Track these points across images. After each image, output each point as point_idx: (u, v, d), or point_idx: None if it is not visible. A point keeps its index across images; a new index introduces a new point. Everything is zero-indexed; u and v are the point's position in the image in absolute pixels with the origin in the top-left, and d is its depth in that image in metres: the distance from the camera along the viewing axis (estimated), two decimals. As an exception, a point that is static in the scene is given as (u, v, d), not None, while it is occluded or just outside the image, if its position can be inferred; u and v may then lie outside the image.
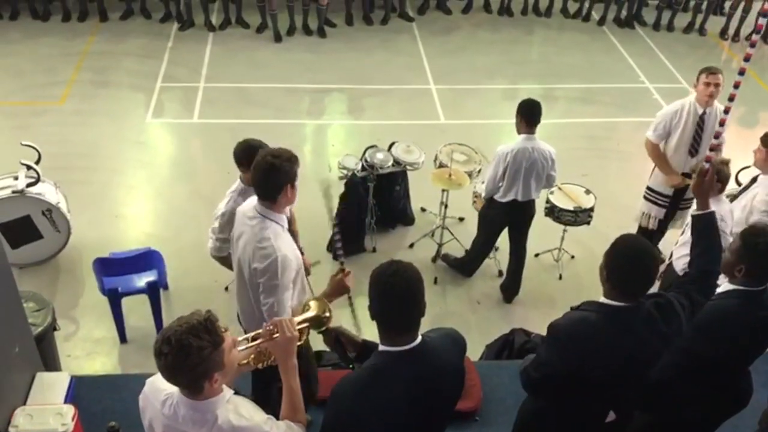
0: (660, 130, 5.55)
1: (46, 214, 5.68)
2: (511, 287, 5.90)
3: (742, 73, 3.40)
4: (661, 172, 5.67)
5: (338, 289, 3.25)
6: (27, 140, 5.92)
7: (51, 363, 4.65)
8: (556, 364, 2.89)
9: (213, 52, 9.40)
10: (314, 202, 6.16)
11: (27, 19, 9.82)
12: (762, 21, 3.46)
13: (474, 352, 5.02)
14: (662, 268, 5.01)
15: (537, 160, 5.24)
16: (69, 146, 7.34)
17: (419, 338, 2.58)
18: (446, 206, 6.10)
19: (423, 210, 6.75)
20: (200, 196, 6.81)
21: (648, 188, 5.85)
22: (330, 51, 9.59)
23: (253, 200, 3.58)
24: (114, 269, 5.26)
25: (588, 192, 5.94)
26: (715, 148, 4.15)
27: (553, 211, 5.83)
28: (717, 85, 5.30)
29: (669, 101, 7.52)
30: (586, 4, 10.72)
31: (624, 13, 10.62)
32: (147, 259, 5.40)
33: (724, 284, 3.42)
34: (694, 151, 5.51)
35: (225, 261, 4.51)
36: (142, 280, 5.30)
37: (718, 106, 5.46)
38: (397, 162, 6.15)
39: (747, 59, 3.45)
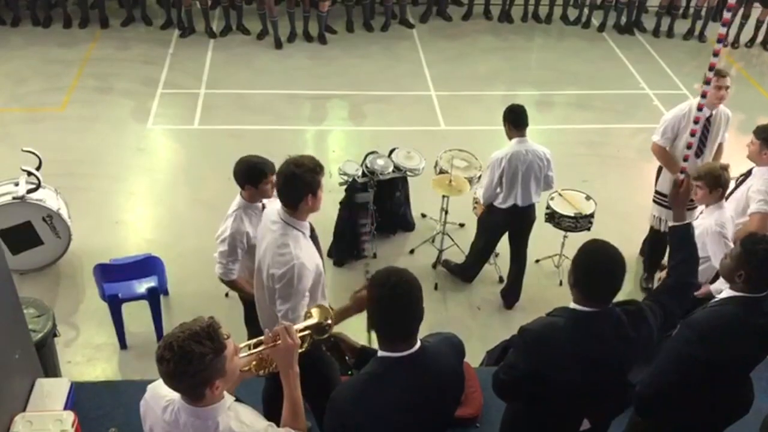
0: (669, 134, 5.55)
1: (47, 220, 5.69)
2: (511, 293, 5.90)
3: (716, 54, 3.45)
4: (671, 174, 5.66)
5: (362, 305, 3.19)
6: (28, 146, 5.93)
7: (51, 369, 4.65)
8: (523, 368, 2.89)
9: (214, 58, 9.42)
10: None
11: (28, 25, 9.85)
12: (727, 15, 3.50)
13: (474, 358, 5.02)
14: (662, 275, 5.02)
15: (533, 162, 5.27)
16: (70, 152, 7.35)
17: (418, 344, 2.59)
18: (447, 212, 6.10)
19: (423, 216, 6.76)
20: (200, 202, 6.82)
21: (657, 192, 5.85)
22: (331, 57, 9.61)
23: (277, 203, 3.57)
24: (114, 275, 5.27)
25: (588, 198, 5.95)
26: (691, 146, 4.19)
27: (553, 217, 5.83)
28: (727, 88, 5.34)
29: (669, 107, 7.54)
30: (586, 11, 10.75)
31: (624, 19, 10.65)
32: (147, 265, 5.40)
33: (725, 290, 3.42)
34: (699, 152, 5.52)
35: (234, 285, 4.45)
36: (143, 286, 5.30)
37: (724, 108, 5.50)
38: (397, 168, 6.16)
39: (720, 40, 3.59)
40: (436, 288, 6.02)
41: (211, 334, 2.33)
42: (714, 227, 4.38)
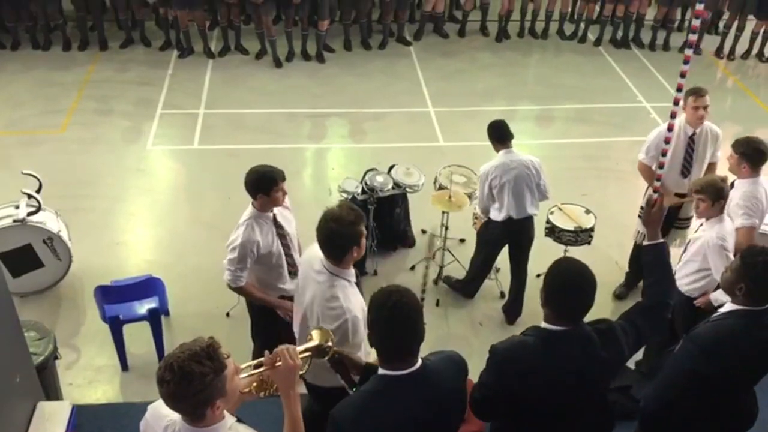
0: (652, 152, 5.54)
1: (47, 243, 5.69)
2: (513, 309, 5.88)
3: (686, 61, 3.44)
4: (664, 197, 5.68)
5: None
6: (28, 169, 5.94)
7: (52, 392, 4.63)
8: (494, 386, 2.90)
9: (212, 78, 9.47)
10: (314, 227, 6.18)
11: (28, 49, 9.90)
12: (696, 22, 3.54)
13: (477, 374, 4.99)
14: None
15: (520, 172, 5.31)
16: (70, 174, 7.37)
17: (419, 362, 2.58)
18: (447, 228, 6.10)
19: (423, 232, 6.76)
20: (201, 221, 6.83)
21: (641, 207, 5.86)
22: (329, 76, 9.66)
23: (316, 249, 3.53)
24: (115, 297, 5.26)
25: (588, 212, 5.95)
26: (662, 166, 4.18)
27: (553, 231, 5.83)
28: (705, 107, 5.32)
29: (666, 120, 7.56)
30: (582, 26, 10.81)
31: (620, 33, 10.71)
32: (148, 286, 5.40)
33: (727, 304, 3.42)
34: (686, 171, 5.52)
35: (242, 291, 4.48)
36: (144, 307, 5.29)
37: (710, 126, 5.46)
38: (397, 185, 6.17)
39: (690, 46, 3.55)
40: (437, 304, 6.01)
41: (212, 354, 2.33)
42: (715, 240, 4.38)
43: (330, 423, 2.57)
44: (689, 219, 5.56)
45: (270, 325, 4.56)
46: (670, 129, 3.74)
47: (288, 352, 2.61)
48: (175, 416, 2.45)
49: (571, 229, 5.75)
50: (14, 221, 5.56)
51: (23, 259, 5.68)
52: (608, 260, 6.46)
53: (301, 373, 2.69)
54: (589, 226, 5.79)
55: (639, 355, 5.14)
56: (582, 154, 8.18)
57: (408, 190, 6.24)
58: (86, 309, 5.79)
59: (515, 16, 10.78)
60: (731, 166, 4.89)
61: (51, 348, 4.52)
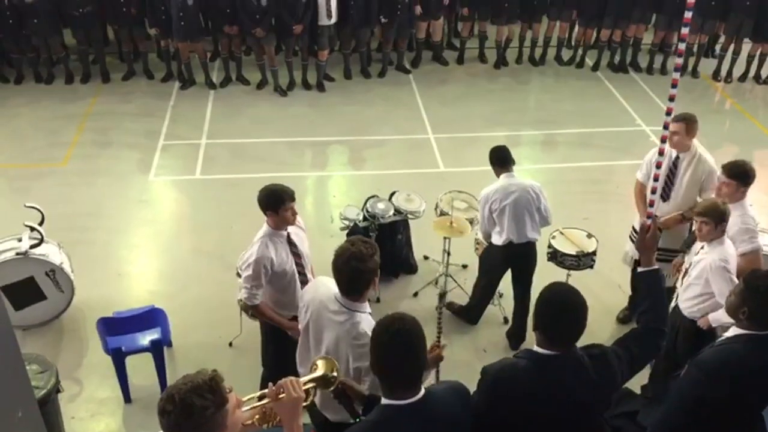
0: (644, 170, 5.63)
1: (50, 275, 5.69)
2: (517, 334, 5.85)
3: (674, 85, 3.40)
4: (639, 213, 5.69)
5: (434, 363, 3.23)
6: (31, 202, 5.97)
7: (55, 426, 4.59)
8: (484, 408, 2.88)
9: (214, 109, 9.54)
10: (318, 256, 6.17)
11: (31, 82, 10.01)
12: (681, 46, 3.50)
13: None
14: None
15: (521, 196, 5.33)
16: (72, 206, 7.40)
17: (422, 392, 2.56)
18: (449, 254, 6.10)
19: (425, 258, 6.75)
20: (203, 251, 6.84)
21: (633, 228, 5.90)
22: (329, 104, 9.74)
23: (327, 287, 3.51)
24: (118, 328, 5.25)
25: (590, 236, 5.94)
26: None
27: (555, 256, 5.82)
28: (674, 133, 5.24)
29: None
30: (580, 51, 10.90)
31: (617, 58, 10.79)
32: (150, 317, 5.39)
33: (732, 328, 3.40)
34: (665, 195, 5.48)
35: (257, 310, 4.51)
36: (146, 338, 5.27)
37: (702, 157, 5.35)
38: (398, 211, 6.18)
39: (677, 69, 3.53)
40: (440, 331, 5.97)
41: (213, 387, 2.32)
42: (718, 262, 4.36)
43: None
44: (670, 251, 5.45)
45: (280, 350, 4.56)
46: (660, 153, 3.71)
47: (292, 384, 2.60)
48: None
49: (573, 253, 5.74)
50: (17, 254, 5.57)
51: (26, 292, 5.68)
52: (611, 284, 6.44)
53: (304, 404, 2.67)
54: (591, 250, 5.78)
55: (645, 379, 5.11)
56: (583, 178, 8.20)
57: (409, 216, 6.25)
58: (89, 341, 5.77)
59: (513, 42, 10.88)
60: (727, 195, 4.76)
61: (53, 381, 4.50)
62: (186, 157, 8.48)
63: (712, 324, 4.39)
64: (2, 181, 7.98)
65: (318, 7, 9.50)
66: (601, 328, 5.82)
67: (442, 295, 4.23)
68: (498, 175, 5.46)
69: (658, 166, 3.79)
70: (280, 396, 2.60)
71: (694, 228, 4.67)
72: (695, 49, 10.58)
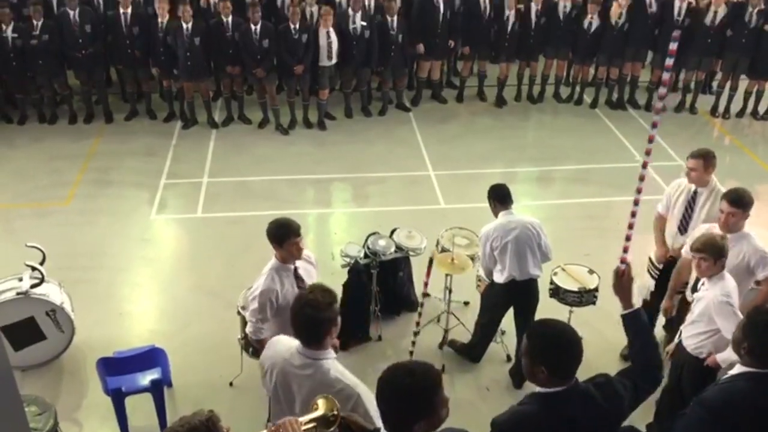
0: (665, 202, 5.73)
1: (50, 315, 5.67)
2: (520, 372, 5.77)
3: (654, 126, 3.38)
4: (657, 245, 5.82)
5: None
6: (33, 241, 5.98)
7: (52, 469, 4.53)
8: None
9: (216, 147, 9.62)
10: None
11: (34, 123, 10.10)
12: (666, 75, 3.48)
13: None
14: (671, 347, 4.96)
15: (521, 233, 5.34)
16: (74, 246, 7.41)
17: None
18: (450, 291, 6.08)
19: (427, 295, 6.72)
20: (204, 289, 6.82)
21: (649, 258, 5.94)
22: (331, 142, 9.81)
23: (285, 344, 3.49)
24: (117, 368, 5.21)
25: (591, 272, 5.93)
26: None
27: (557, 293, 5.80)
28: (692, 169, 5.40)
29: (666, 179, 7.62)
30: (578, 89, 11.01)
31: (615, 95, 10.89)
32: (151, 357, 5.35)
33: (736, 366, 3.37)
34: (683, 228, 5.56)
35: (262, 345, 4.44)
36: (146, 378, 5.22)
37: (720, 190, 5.39)
38: (399, 248, 6.18)
39: (657, 114, 3.46)
40: (443, 369, 5.93)
41: (210, 428, 2.31)
42: (720, 298, 4.34)
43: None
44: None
45: None
46: (644, 166, 3.62)
47: (291, 425, 2.57)
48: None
49: (575, 289, 5.73)
50: (17, 294, 5.56)
51: (25, 332, 5.65)
52: (614, 320, 6.36)
53: None
54: (593, 286, 5.77)
55: (650, 417, 5.05)
56: (583, 214, 8.22)
57: (410, 253, 6.25)
58: (88, 381, 5.72)
59: (512, 80, 11.00)
60: (734, 224, 4.83)
61: (52, 423, 4.46)
62: (188, 195, 8.52)
63: (720, 364, 4.35)
64: (4, 221, 8.01)
65: (319, 48, 9.64)
66: (604, 365, 5.74)
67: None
68: (496, 213, 5.47)
69: (636, 202, 3.73)
70: (280, 437, 2.57)
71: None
72: (692, 85, 10.69)
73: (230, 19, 9.49)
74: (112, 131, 10.00)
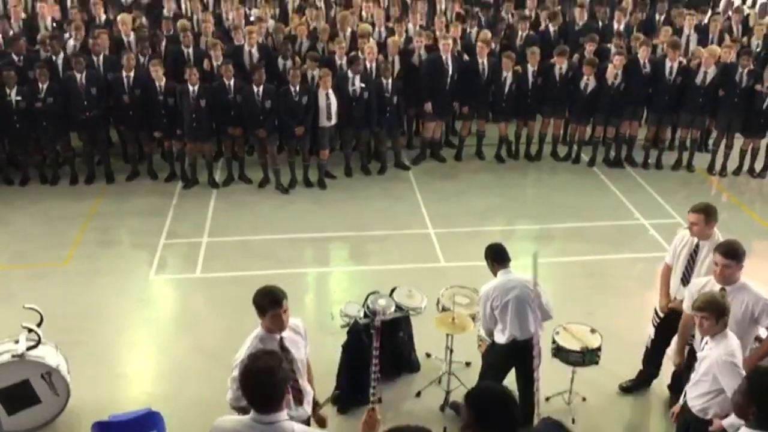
0: (671, 252, 5.82)
1: (45, 377, 5.59)
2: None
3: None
4: (661, 295, 5.88)
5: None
6: (30, 303, 5.94)
7: None
8: None
9: (216, 207, 9.66)
10: (318, 354, 6.07)
11: (36, 184, 10.17)
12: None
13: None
14: (676, 408, 4.88)
15: (522, 291, 5.31)
16: (72, 307, 7.36)
17: None
18: (452, 351, 6.01)
19: (428, 356, 6.65)
20: (202, 350, 6.75)
21: (654, 309, 5.98)
22: (331, 201, 9.86)
23: (232, 423, 3.45)
24: (113, 433, 5.10)
25: (593, 331, 5.88)
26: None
27: (560, 352, 5.74)
28: (694, 224, 5.50)
29: (665, 237, 7.65)
30: (575, 147, 11.13)
31: (612, 153, 11.00)
32: (147, 421, 5.24)
33: (741, 428, 3.30)
34: (686, 280, 5.62)
35: (246, 412, 4.37)
36: (142, 442, 5.12)
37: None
38: (399, 307, 6.13)
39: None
40: (445, 432, 5.82)
41: None
42: (724, 357, 4.29)
43: None
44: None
45: None
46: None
47: None
48: None
49: (578, 349, 5.67)
50: (13, 356, 5.49)
51: (20, 396, 5.56)
52: (618, 380, 6.32)
53: None
54: (595, 345, 5.72)
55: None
56: (583, 272, 8.20)
57: (411, 312, 6.20)
58: (82, 446, 5.61)
59: (510, 139, 11.13)
60: (729, 277, 4.86)
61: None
62: (187, 255, 8.52)
63: (727, 429, 4.26)
64: (3, 282, 7.97)
65: (318, 109, 9.79)
66: (611, 425, 5.67)
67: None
68: (495, 272, 5.46)
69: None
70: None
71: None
72: (688, 143, 10.81)
73: (233, 81, 9.67)
74: (113, 191, 10.06)
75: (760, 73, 10.04)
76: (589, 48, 10.64)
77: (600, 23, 11.90)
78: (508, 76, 10.44)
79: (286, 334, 4.35)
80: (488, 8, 12.34)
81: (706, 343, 4.48)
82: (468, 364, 6.48)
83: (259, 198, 9.95)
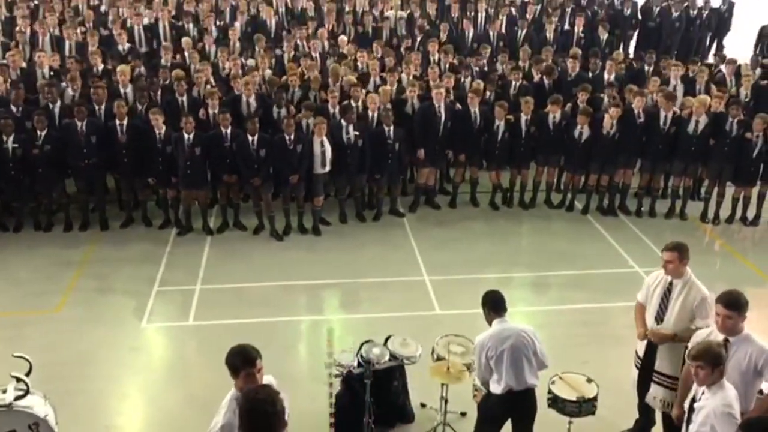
0: (644, 291, 5.96)
1: (33, 428, 5.47)
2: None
3: None
4: (638, 329, 5.97)
5: None
6: (20, 351, 5.85)
7: None
8: None
9: (210, 254, 9.63)
10: (311, 404, 6.01)
11: (30, 230, 10.13)
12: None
13: None
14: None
15: (516, 340, 5.28)
16: (62, 355, 7.28)
17: None
18: (447, 401, 5.94)
19: (423, 406, 6.57)
20: (194, 400, 6.64)
21: (655, 371, 5.92)
22: (325, 248, 9.85)
23: None
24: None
25: (590, 380, 5.82)
26: None
27: (556, 402, 5.67)
28: (669, 262, 5.64)
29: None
30: (569, 195, 11.20)
31: (606, 201, 11.07)
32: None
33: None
34: (659, 318, 5.74)
35: None
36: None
37: (695, 284, 5.63)
38: (393, 356, 6.08)
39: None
40: (440, 484, 5.71)
41: None
42: (722, 408, 4.25)
43: None
44: (667, 376, 5.75)
45: None
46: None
47: None
48: None
49: (574, 399, 5.60)
50: (0, 406, 5.39)
51: (6, 447, 5.45)
52: (615, 429, 6.24)
53: None
54: (592, 395, 5.65)
55: None
56: (578, 320, 8.17)
57: (405, 361, 6.14)
58: (69, 500, 5.47)
59: (504, 186, 11.20)
60: (730, 328, 4.84)
61: None
62: (180, 303, 8.46)
63: None
64: (-7, 330, 7.89)
65: (313, 157, 9.87)
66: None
67: None
68: (490, 320, 5.42)
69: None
70: None
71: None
72: (681, 192, 10.89)
73: (229, 130, 9.76)
74: (107, 238, 10.03)
75: (749, 122, 10.19)
76: (582, 97, 10.81)
77: (591, 74, 12.13)
78: (500, 124, 10.58)
79: None
80: (481, 57, 12.57)
81: (703, 393, 4.44)
82: (463, 414, 6.40)
83: (254, 245, 9.94)
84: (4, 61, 11.49)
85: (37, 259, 9.41)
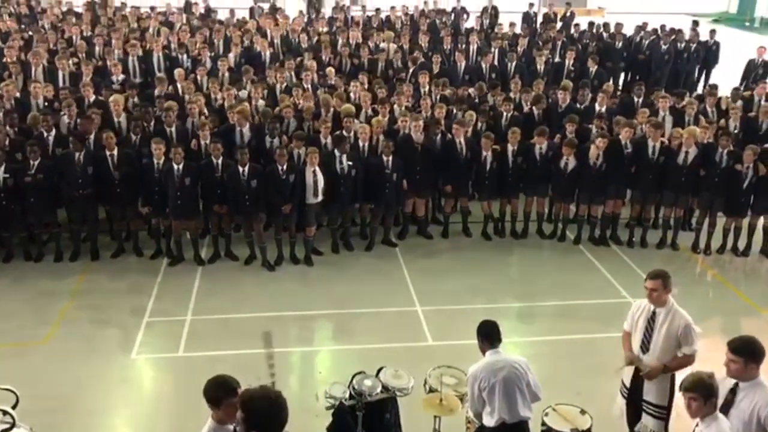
0: (629, 320, 6.03)
1: (18, 462, 5.38)
2: None
3: None
4: (624, 352, 6.02)
5: None
6: (8, 383, 5.78)
7: None
8: None
9: (201, 285, 9.57)
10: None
11: (20, 260, 10.06)
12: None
13: None
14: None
15: (509, 372, 5.26)
16: (50, 387, 7.18)
17: None
18: (439, 434, 5.87)
19: (415, 438, 6.49)
20: (183, 433, 6.56)
21: (621, 381, 6.12)
22: (317, 278, 9.81)
23: None
24: None
25: (583, 412, 5.79)
26: None
27: (549, 434, 5.62)
28: (652, 290, 5.69)
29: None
30: (560, 225, 11.22)
31: (597, 232, 11.10)
32: None
33: None
34: (644, 348, 5.81)
35: None
36: None
37: (678, 313, 5.71)
38: (385, 388, 6.02)
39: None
40: None
41: None
42: (716, 441, 4.22)
43: None
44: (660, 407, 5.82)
45: None
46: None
47: None
48: None
49: (568, 431, 5.56)
50: (-15, 440, 5.30)
51: (-10, 482, 5.33)
52: (610, 463, 6.18)
53: None
54: (585, 427, 5.63)
55: None
56: (571, 350, 8.13)
57: (397, 393, 6.08)
58: None
59: (495, 216, 11.23)
60: (735, 371, 4.72)
61: None
62: (170, 334, 8.38)
63: None
64: (-20, 362, 7.79)
65: (306, 186, 9.88)
66: None
67: None
68: (483, 350, 5.40)
69: None
70: None
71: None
72: (672, 222, 10.94)
73: (220, 160, 9.77)
74: (98, 269, 9.97)
75: (739, 153, 10.28)
76: (569, 128, 10.90)
77: (581, 105, 12.26)
78: (487, 155, 10.64)
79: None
80: (471, 86, 12.72)
81: (697, 425, 4.41)
82: (456, 446, 6.33)
83: (245, 275, 9.89)
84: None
85: (27, 290, 9.32)
